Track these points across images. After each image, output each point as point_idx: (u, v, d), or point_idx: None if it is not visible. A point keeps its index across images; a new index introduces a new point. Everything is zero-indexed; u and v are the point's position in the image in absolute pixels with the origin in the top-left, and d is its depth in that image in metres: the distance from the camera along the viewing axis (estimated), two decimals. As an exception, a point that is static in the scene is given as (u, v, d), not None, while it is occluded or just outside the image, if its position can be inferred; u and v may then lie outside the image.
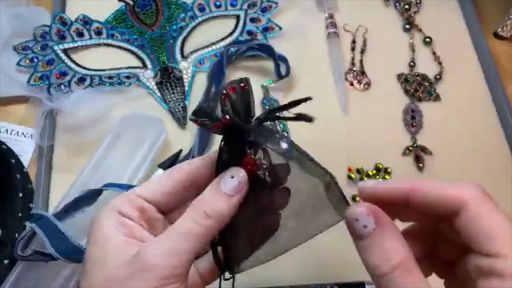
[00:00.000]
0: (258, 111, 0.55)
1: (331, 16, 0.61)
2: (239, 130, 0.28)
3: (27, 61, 0.56)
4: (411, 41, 0.61)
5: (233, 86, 0.28)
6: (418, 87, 0.58)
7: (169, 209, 0.31)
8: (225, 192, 0.28)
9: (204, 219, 0.27)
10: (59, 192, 0.48)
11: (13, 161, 0.50)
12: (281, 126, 0.54)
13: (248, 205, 0.29)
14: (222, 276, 0.30)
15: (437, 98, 0.57)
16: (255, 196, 0.29)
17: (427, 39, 0.61)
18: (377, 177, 0.52)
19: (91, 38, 0.59)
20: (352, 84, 0.58)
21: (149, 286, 0.25)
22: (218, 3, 0.61)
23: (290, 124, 0.54)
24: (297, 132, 0.54)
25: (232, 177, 0.28)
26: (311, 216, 0.29)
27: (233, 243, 0.30)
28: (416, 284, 0.24)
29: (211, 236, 0.28)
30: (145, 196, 0.30)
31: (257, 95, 0.56)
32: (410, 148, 0.54)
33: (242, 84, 0.29)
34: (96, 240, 0.28)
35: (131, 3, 0.61)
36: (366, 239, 0.25)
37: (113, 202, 0.29)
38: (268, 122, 0.31)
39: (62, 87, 0.55)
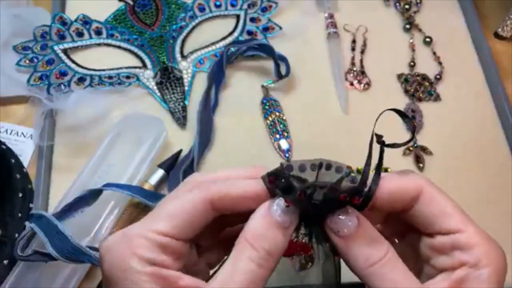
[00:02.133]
0: (258, 111, 0.56)
1: (331, 16, 0.61)
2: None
3: (27, 61, 0.56)
4: (411, 41, 0.61)
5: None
6: (418, 87, 0.58)
7: (197, 236, 0.26)
8: (281, 224, 0.24)
9: (267, 260, 0.24)
10: (59, 192, 0.48)
11: (13, 161, 0.50)
12: (282, 125, 0.54)
13: None
14: None
15: (437, 98, 0.57)
16: None
17: (427, 39, 0.61)
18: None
19: (91, 38, 0.59)
20: (352, 84, 0.58)
21: None
22: (218, 3, 0.61)
23: (290, 124, 0.54)
24: (297, 132, 0.54)
25: (288, 206, 0.24)
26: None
27: None
28: (402, 275, 0.24)
29: (269, 276, 0.24)
30: (171, 233, 0.24)
31: (257, 95, 0.56)
32: (410, 148, 0.54)
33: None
34: None
35: (131, 3, 0.61)
36: (348, 236, 0.25)
37: (136, 249, 0.23)
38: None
39: (62, 87, 0.54)
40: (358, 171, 0.52)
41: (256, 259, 0.23)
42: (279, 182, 0.24)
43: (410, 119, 0.28)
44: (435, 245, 0.26)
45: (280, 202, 0.24)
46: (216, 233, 0.29)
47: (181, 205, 0.25)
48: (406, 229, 0.29)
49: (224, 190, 0.25)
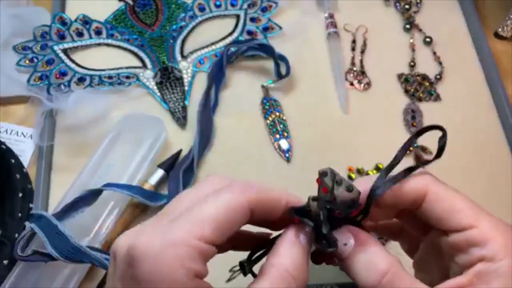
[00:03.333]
0: (258, 111, 0.56)
1: (331, 16, 0.61)
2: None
3: (27, 61, 0.56)
4: (411, 41, 0.61)
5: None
6: (419, 87, 0.58)
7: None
8: (307, 250, 0.25)
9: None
10: (59, 192, 0.48)
11: (13, 161, 0.50)
12: (282, 125, 0.54)
13: None
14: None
15: (437, 98, 0.57)
16: None
17: (428, 39, 0.61)
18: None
19: (91, 38, 0.59)
20: (352, 84, 0.58)
21: None
22: (218, 3, 0.61)
23: (290, 124, 0.54)
24: (297, 132, 0.54)
25: (308, 232, 0.25)
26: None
27: None
28: (410, 285, 0.24)
29: None
30: (215, 240, 0.23)
31: (257, 95, 0.56)
32: (410, 148, 0.54)
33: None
34: None
35: (131, 3, 0.61)
36: (349, 256, 0.25)
37: (182, 257, 0.22)
38: None
39: (62, 87, 0.54)
40: (358, 171, 0.52)
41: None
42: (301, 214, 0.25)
43: (445, 136, 0.28)
44: (451, 243, 0.25)
45: (304, 229, 0.25)
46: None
47: (224, 209, 0.23)
48: (427, 225, 0.28)
49: (262, 191, 0.25)
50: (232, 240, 0.26)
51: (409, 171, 0.27)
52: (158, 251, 0.21)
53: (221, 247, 0.25)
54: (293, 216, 0.25)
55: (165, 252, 0.21)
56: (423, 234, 0.29)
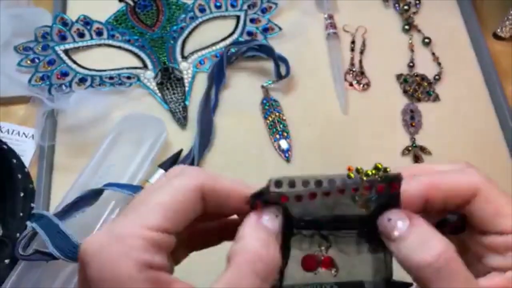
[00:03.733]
0: (258, 111, 0.56)
1: (330, 17, 0.61)
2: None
3: (28, 62, 0.56)
4: (410, 41, 0.61)
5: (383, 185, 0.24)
6: (417, 88, 0.58)
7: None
8: (274, 235, 0.23)
9: (266, 281, 0.22)
10: (60, 192, 0.48)
11: (15, 161, 0.50)
12: (282, 125, 0.54)
13: None
14: None
15: (436, 98, 0.57)
16: None
17: (426, 40, 0.61)
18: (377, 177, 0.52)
19: (92, 38, 0.59)
20: (351, 84, 0.58)
21: None
22: (218, 4, 0.62)
23: (290, 124, 0.54)
24: (297, 132, 0.54)
25: (277, 216, 0.23)
26: None
27: None
28: (463, 269, 0.23)
29: None
30: (165, 226, 0.22)
31: (257, 95, 0.56)
32: (409, 148, 0.54)
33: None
34: None
35: (132, 3, 0.62)
36: (403, 237, 0.23)
37: (130, 249, 0.20)
38: None
39: (63, 87, 0.55)
40: (357, 171, 0.52)
41: (256, 282, 0.21)
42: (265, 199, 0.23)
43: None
44: (489, 244, 0.25)
45: (269, 213, 0.23)
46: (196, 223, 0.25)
47: (171, 194, 0.22)
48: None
49: (213, 177, 0.24)
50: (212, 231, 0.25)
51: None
52: (104, 247, 0.21)
53: (194, 239, 0.26)
54: (256, 201, 0.23)
55: (110, 247, 0.21)
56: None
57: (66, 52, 0.57)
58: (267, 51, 0.56)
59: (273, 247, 0.22)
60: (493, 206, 0.25)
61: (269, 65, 0.57)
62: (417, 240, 0.23)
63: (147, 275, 0.20)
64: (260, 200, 0.23)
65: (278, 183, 0.23)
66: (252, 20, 0.61)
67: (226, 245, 0.24)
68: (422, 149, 0.54)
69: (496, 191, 0.26)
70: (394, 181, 0.24)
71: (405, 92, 0.58)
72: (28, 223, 0.44)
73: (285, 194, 0.23)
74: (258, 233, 0.22)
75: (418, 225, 0.24)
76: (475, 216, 0.25)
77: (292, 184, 0.23)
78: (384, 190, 0.24)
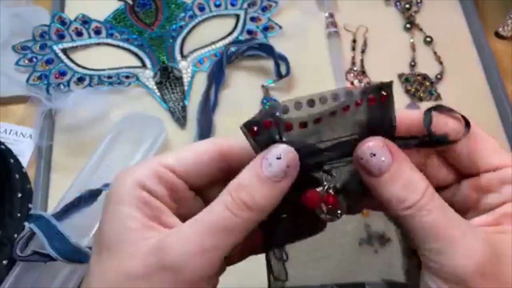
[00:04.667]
0: (257, 110, 0.55)
1: (331, 16, 0.61)
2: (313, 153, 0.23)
3: (26, 61, 0.56)
4: (411, 40, 0.61)
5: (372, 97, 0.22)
6: (419, 87, 0.57)
7: (200, 186, 0.25)
8: (270, 177, 0.22)
9: (242, 210, 0.22)
10: (58, 192, 0.48)
11: (12, 161, 0.50)
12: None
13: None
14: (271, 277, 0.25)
15: (438, 98, 0.57)
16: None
17: (428, 39, 0.60)
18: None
19: (90, 37, 0.58)
20: (352, 83, 0.58)
21: None
22: (217, 2, 0.61)
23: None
24: (297, 132, 0.54)
25: (279, 158, 0.22)
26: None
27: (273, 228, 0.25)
28: (442, 206, 0.22)
29: (250, 229, 0.23)
30: (176, 169, 0.24)
31: (257, 95, 0.56)
32: (411, 148, 0.54)
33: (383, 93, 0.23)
34: (112, 218, 0.23)
35: (131, 2, 0.61)
36: (385, 173, 0.22)
37: (135, 173, 0.23)
38: None
39: (61, 86, 0.54)
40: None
41: (231, 207, 0.22)
42: (261, 131, 0.22)
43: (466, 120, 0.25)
44: (481, 184, 0.24)
45: (271, 155, 0.22)
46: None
47: (192, 148, 0.25)
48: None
49: (233, 140, 0.25)
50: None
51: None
52: (124, 170, 0.24)
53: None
54: (251, 126, 0.22)
55: (127, 170, 0.24)
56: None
57: (64, 51, 0.57)
58: (267, 50, 0.56)
59: (260, 185, 0.22)
60: (483, 143, 0.25)
61: (269, 64, 0.57)
62: (401, 179, 0.22)
63: (140, 194, 0.23)
64: (256, 127, 0.22)
65: (271, 110, 0.22)
66: (252, 19, 0.60)
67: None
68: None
69: (485, 133, 0.25)
70: (384, 89, 0.23)
71: (406, 91, 0.57)
72: (26, 223, 0.44)
73: (285, 119, 0.22)
74: (248, 171, 0.23)
75: (400, 160, 0.23)
76: (466, 156, 0.25)
77: (285, 109, 0.22)
78: (376, 99, 0.23)
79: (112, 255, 0.22)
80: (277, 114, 0.22)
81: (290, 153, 0.22)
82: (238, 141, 0.25)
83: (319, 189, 0.24)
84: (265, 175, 0.22)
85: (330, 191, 0.24)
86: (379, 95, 0.23)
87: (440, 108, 0.25)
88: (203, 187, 0.25)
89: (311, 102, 0.23)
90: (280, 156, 0.22)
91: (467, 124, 0.25)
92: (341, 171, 0.24)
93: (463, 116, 0.25)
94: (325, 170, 0.24)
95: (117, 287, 0.22)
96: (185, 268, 0.21)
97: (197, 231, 0.22)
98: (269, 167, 0.22)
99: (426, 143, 0.24)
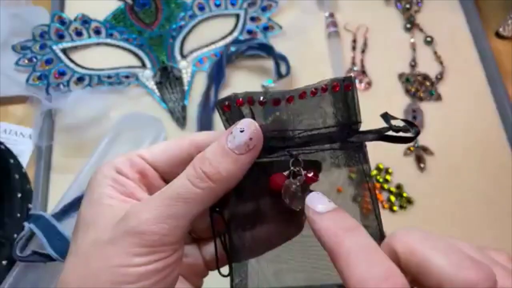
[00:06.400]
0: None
1: (331, 15, 0.61)
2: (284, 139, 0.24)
3: (26, 61, 0.55)
4: (412, 40, 0.60)
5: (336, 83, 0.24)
6: (419, 87, 0.57)
7: (173, 178, 0.27)
8: (232, 150, 0.23)
9: (203, 181, 0.23)
10: (58, 192, 0.48)
11: (12, 161, 0.50)
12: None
13: (263, 188, 0.25)
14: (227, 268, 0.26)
15: (438, 98, 0.57)
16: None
17: (428, 39, 0.60)
18: (378, 177, 0.52)
19: (90, 37, 0.58)
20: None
21: (132, 252, 0.22)
22: (218, 2, 0.61)
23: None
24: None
25: (242, 131, 0.23)
26: None
27: (239, 230, 0.25)
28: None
29: (211, 201, 0.23)
30: (148, 159, 0.27)
31: (257, 94, 0.56)
32: (411, 148, 0.53)
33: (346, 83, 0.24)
34: (90, 200, 0.25)
35: (130, 2, 0.61)
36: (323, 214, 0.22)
37: (112, 161, 0.26)
38: None
39: (61, 86, 0.54)
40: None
41: (192, 178, 0.23)
42: (232, 107, 0.24)
43: (412, 123, 0.26)
44: None
45: (235, 128, 0.23)
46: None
47: (165, 141, 0.28)
48: None
49: (206, 132, 0.28)
50: None
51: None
52: (101, 167, 0.26)
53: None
54: (223, 103, 0.24)
55: (104, 165, 0.26)
56: None
57: (64, 51, 0.57)
58: (267, 50, 0.56)
59: (223, 158, 0.23)
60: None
61: (269, 64, 0.57)
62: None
63: (114, 175, 0.25)
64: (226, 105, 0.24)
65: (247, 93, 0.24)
66: (252, 19, 0.60)
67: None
68: (424, 149, 0.53)
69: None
70: (346, 81, 0.24)
71: (407, 91, 0.57)
72: (26, 224, 0.44)
73: (255, 96, 0.23)
74: (212, 145, 0.24)
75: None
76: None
77: (258, 94, 0.24)
78: (339, 87, 0.24)
79: (86, 230, 0.24)
80: (257, 97, 0.24)
81: (252, 125, 0.23)
82: (211, 132, 0.27)
83: (285, 173, 0.24)
84: (228, 147, 0.23)
85: (300, 169, 0.24)
86: (342, 85, 0.24)
87: (388, 116, 0.26)
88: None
89: (283, 93, 0.24)
90: (243, 129, 0.23)
91: (414, 127, 0.25)
92: (309, 157, 0.25)
93: (409, 121, 0.26)
94: (292, 154, 0.24)
95: (87, 256, 0.23)
96: (148, 232, 0.22)
97: (160, 199, 0.23)
98: (232, 139, 0.23)
99: (388, 138, 0.26)
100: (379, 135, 0.26)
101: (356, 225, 0.21)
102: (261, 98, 0.23)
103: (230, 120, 0.24)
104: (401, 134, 0.26)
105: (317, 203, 0.22)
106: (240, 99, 0.23)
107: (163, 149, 0.27)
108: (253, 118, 0.24)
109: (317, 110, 0.24)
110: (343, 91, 0.25)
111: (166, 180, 0.27)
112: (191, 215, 0.23)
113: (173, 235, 0.23)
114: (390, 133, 0.26)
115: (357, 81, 0.58)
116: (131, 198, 0.25)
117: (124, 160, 0.26)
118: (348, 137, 0.26)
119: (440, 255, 0.19)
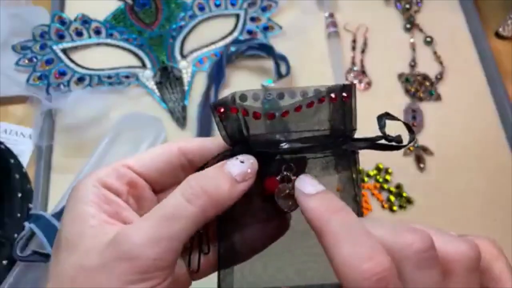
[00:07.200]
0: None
1: (331, 15, 0.61)
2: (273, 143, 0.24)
3: (26, 61, 0.55)
4: (412, 40, 0.60)
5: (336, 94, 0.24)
6: (419, 87, 0.57)
7: (163, 189, 0.26)
8: (232, 175, 0.23)
9: (199, 198, 0.22)
10: (58, 192, 0.48)
11: (12, 161, 0.50)
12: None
13: (254, 197, 0.25)
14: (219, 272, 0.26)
15: (438, 98, 0.57)
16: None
17: (428, 39, 0.60)
18: (378, 177, 0.52)
19: (90, 37, 0.58)
20: (352, 83, 0.57)
21: (124, 279, 0.21)
22: (218, 2, 0.61)
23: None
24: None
25: (242, 162, 0.24)
26: None
27: (229, 237, 0.26)
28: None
29: (205, 220, 0.23)
30: (137, 169, 0.25)
31: (257, 94, 0.56)
32: (411, 148, 0.54)
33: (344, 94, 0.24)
34: (72, 218, 0.23)
35: (131, 2, 0.61)
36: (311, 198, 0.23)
37: (98, 173, 0.24)
38: None
39: (61, 86, 0.54)
40: (358, 171, 0.52)
41: (187, 194, 0.23)
42: (227, 112, 0.24)
43: (411, 128, 0.26)
44: None
45: (236, 158, 0.24)
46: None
47: (151, 149, 0.27)
48: None
49: (194, 138, 0.27)
50: None
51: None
52: (84, 178, 0.25)
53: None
54: (214, 112, 0.24)
55: (88, 176, 0.25)
56: None
57: (64, 51, 0.57)
58: (267, 50, 0.56)
59: (223, 181, 0.23)
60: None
61: (269, 64, 0.57)
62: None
63: (99, 191, 0.24)
64: (223, 109, 0.24)
65: (243, 97, 0.23)
66: (252, 19, 0.60)
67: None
68: (424, 149, 0.53)
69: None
70: (345, 90, 0.24)
71: (406, 91, 0.57)
72: (26, 223, 0.44)
73: (250, 107, 0.23)
74: (214, 167, 0.24)
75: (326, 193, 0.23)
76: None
77: (256, 96, 0.23)
78: (337, 98, 0.24)
79: (70, 252, 0.22)
80: (239, 101, 0.23)
81: (251, 160, 0.24)
82: (199, 139, 0.27)
83: (278, 177, 0.25)
84: (228, 172, 0.24)
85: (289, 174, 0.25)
86: (341, 95, 0.24)
87: (388, 116, 0.27)
88: (166, 189, 0.26)
89: (280, 95, 0.24)
90: (243, 161, 0.24)
91: (411, 132, 0.26)
92: (301, 163, 0.25)
93: (408, 125, 0.26)
94: (285, 159, 0.25)
95: (74, 281, 0.22)
96: (140, 257, 0.21)
97: (152, 220, 0.22)
98: (232, 168, 0.24)
99: (379, 146, 0.26)
100: (371, 143, 0.26)
101: (343, 206, 0.22)
102: (256, 111, 0.23)
103: (226, 127, 0.25)
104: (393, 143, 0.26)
105: (306, 185, 0.23)
106: (235, 107, 0.24)
107: (151, 157, 0.26)
108: (247, 127, 0.24)
109: (312, 117, 0.25)
110: (341, 101, 0.25)
111: (155, 190, 0.26)
112: (185, 235, 0.22)
113: (166, 259, 0.22)
114: (383, 141, 0.26)
115: (357, 81, 0.58)
116: (115, 218, 0.23)
117: (110, 171, 0.25)
118: (341, 144, 0.26)
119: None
